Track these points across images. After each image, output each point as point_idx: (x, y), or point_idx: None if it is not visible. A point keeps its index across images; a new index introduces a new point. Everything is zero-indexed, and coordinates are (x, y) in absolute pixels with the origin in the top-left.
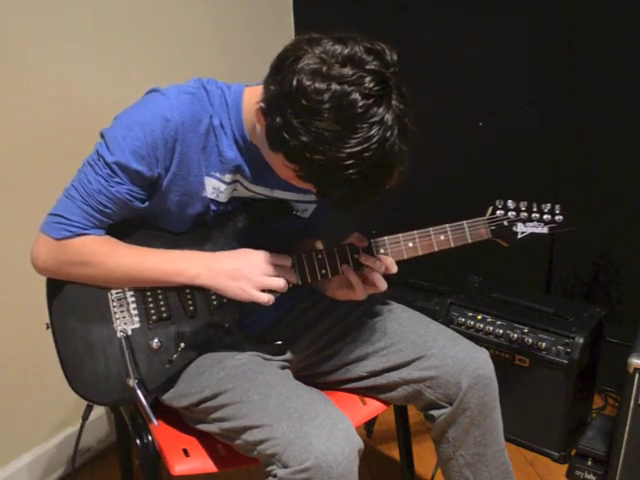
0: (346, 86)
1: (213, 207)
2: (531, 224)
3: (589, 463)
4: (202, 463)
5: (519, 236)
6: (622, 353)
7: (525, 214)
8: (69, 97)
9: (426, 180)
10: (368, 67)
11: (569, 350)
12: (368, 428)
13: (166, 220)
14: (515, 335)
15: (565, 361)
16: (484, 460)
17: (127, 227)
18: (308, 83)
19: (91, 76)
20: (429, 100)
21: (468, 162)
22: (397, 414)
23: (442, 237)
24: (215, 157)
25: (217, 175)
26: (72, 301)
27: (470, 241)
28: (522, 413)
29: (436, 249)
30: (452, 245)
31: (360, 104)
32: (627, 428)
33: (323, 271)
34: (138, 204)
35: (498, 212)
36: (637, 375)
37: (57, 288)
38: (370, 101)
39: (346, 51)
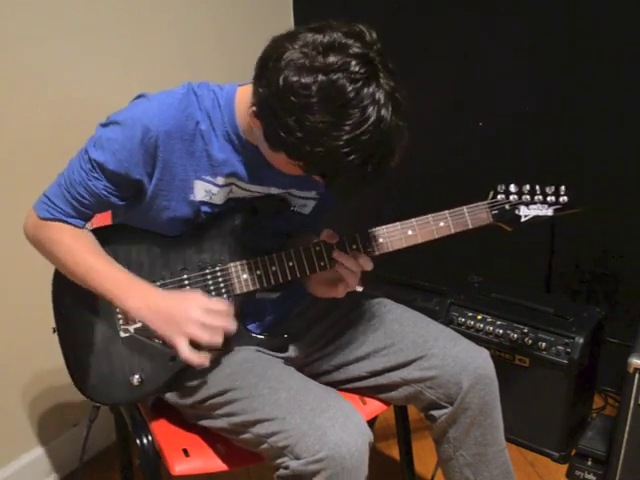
0: (332, 75)
1: (206, 209)
2: (534, 206)
3: (589, 463)
4: (202, 463)
5: (523, 219)
6: (622, 353)
7: (528, 197)
8: (69, 97)
9: (426, 180)
10: (351, 51)
11: (569, 350)
12: None
13: (157, 224)
14: (515, 335)
15: (565, 361)
16: (485, 460)
17: (130, 228)
18: (294, 79)
19: (91, 76)
20: (429, 100)
21: (468, 162)
22: (397, 414)
23: (442, 224)
24: (205, 161)
25: (208, 178)
26: (76, 303)
27: (471, 226)
28: (522, 413)
29: (436, 236)
30: (452, 231)
31: (349, 89)
32: (627, 428)
33: (295, 270)
34: (115, 200)
35: (499, 196)
36: (637, 375)
37: (61, 291)
38: (359, 84)
39: (326, 39)
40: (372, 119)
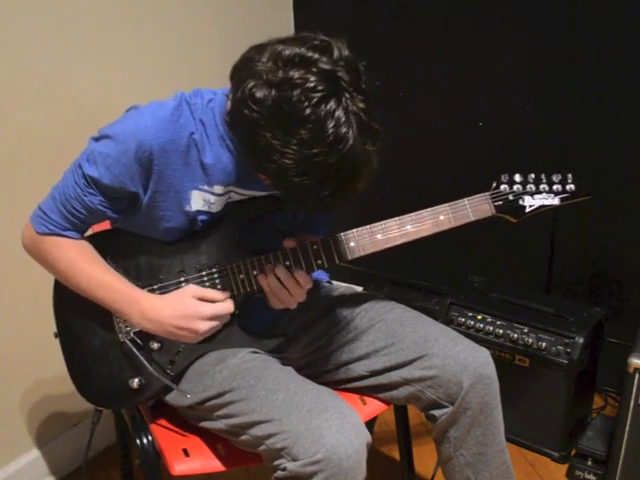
0: (287, 91)
1: (203, 217)
2: (540, 196)
3: (589, 463)
4: (202, 463)
5: (527, 210)
6: (622, 353)
7: (532, 186)
8: (70, 97)
9: (426, 180)
10: (313, 67)
11: (569, 350)
12: (368, 428)
13: (155, 232)
14: (515, 335)
15: (565, 361)
16: (485, 460)
17: (128, 232)
18: (251, 92)
19: (92, 76)
20: (429, 100)
21: (468, 162)
22: (397, 414)
23: (442, 217)
24: (199, 171)
25: (205, 188)
26: (77, 309)
27: (473, 218)
28: (522, 413)
29: (437, 230)
30: (454, 224)
31: (303, 106)
32: (627, 428)
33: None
34: (111, 214)
35: (502, 186)
36: (637, 375)
37: (62, 297)
38: (314, 101)
39: (287, 53)
40: (329, 139)
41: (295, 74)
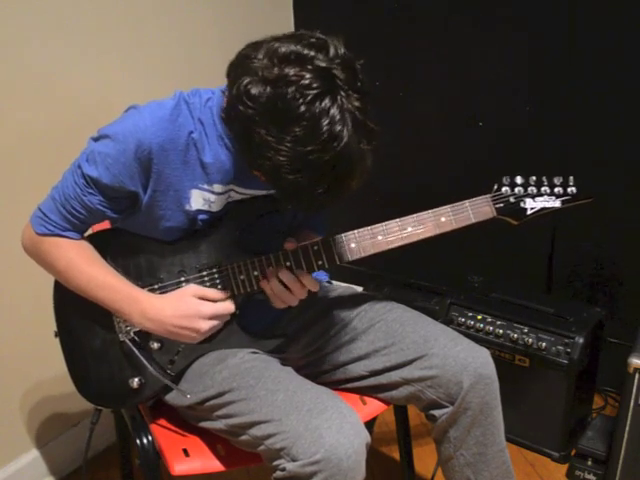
0: (282, 88)
1: (203, 217)
2: (541, 198)
3: (589, 463)
4: (202, 463)
5: (529, 212)
6: (622, 353)
7: (534, 188)
8: (70, 97)
9: (426, 180)
10: (308, 65)
11: (569, 350)
12: (368, 428)
13: (155, 232)
14: (515, 335)
15: (565, 361)
16: (485, 460)
17: (128, 232)
18: (246, 89)
19: (92, 76)
20: (429, 100)
21: (468, 162)
22: (397, 414)
23: (443, 219)
24: (199, 170)
25: (205, 187)
26: (77, 308)
27: (474, 220)
28: (522, 413)
29: (438, 232)
30: (455, 226)
31: (297, 104)
32: (627, 428)
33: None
34: (111, 214)
35: (504, 189)
36: (637, 375)
37: (63, 296)
38: (308, 99)
39: (283, 50)
40: (323, 137)
41: (290, 71)
